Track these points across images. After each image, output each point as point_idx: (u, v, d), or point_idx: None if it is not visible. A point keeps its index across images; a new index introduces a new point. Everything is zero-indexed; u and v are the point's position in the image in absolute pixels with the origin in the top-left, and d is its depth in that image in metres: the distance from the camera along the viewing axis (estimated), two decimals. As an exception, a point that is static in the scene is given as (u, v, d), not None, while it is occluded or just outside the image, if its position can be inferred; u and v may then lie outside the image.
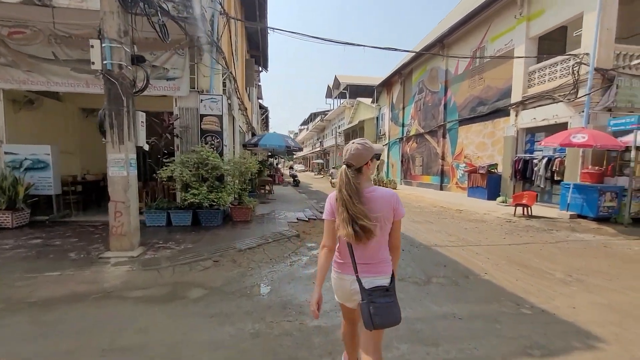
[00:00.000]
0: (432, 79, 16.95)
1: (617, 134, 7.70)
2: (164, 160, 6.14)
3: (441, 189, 15.87)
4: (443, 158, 15.84)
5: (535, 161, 10.03)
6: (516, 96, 11.04)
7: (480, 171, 11.74)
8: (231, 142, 9.36)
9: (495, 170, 11.71)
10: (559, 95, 9.37)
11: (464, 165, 14.11)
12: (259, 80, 24.09)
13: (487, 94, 12.66)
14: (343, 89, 34.67)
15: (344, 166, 1.67)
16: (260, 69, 20.03)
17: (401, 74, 20.38)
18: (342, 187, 1.61)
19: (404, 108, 20.44)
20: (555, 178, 9.36)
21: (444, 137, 15.78)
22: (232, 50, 8.44)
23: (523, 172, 10.49)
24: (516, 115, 11.08)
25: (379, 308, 1.57)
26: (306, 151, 60.75)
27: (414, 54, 17.97)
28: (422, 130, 17.95)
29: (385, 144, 23.12)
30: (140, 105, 7.88)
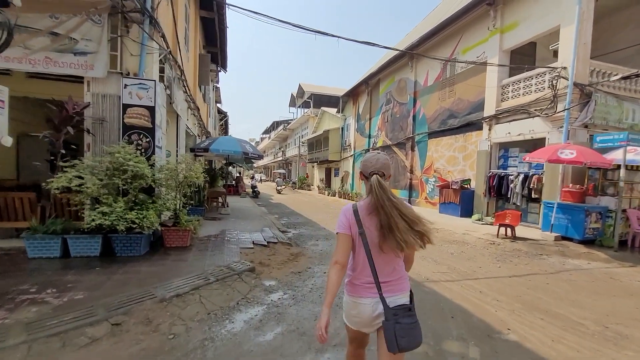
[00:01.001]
0: (400, 89, 16.46)
1: (599, 151, 7.28)
2: (61, 163, 4.33)
3: (409, 203, 15.13)
4: (412, 172, 15.21)
5: (511, 177, 9.52)
6: (489, 110, 10.62)
7: (453, 186, 11.10)
8: (172, 145, 7.62)
9: (468, 186, 11.14)
10: (536, 110, 8.98)
11: (434, 179, 13.51)
12: (218, 82, 22.21)
13: (459, 107, 12.23)
14: (307, 98, 33.72)
15: (376, 177, 1.57)
16: (219, 68, 18.30)
17: (368, 84, 19.80)
18: (384, 195, 1.52)
19: (370, 119, 19.80)
20: (533, 196, 8.86)
21: (412, 149, 15.20)
22: (176, 31, 6.82)
23: (498, 188, 9.96)
24: (489, 129, 10.64)
25: (404, 329, 1.48)
26: (268, 160, 58.77)
27: (382, 63, 17.48)
28: (389, 142, 17.32)
29: (351, 155, 22.29)
30: (37, 90, 5.98)
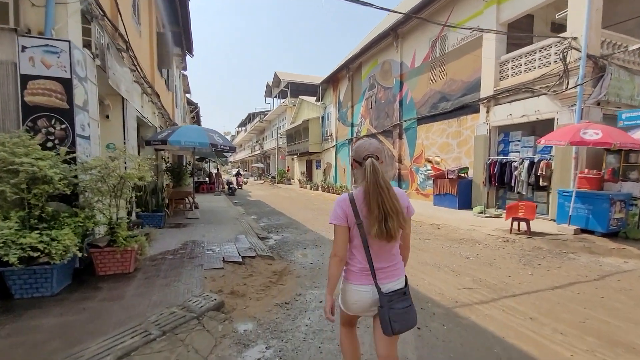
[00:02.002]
0: (384, 73, 15.31)
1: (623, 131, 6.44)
2: None
3: (398, 195, 14.18)
4: (400, 161, 14.21)
5: (514, 164, 8.63)
6: (486, 90, 9.66)
7: (450, 176, 10.14)
8: (118, 136, 6.07)
9: (466, 175, 10.22)
10: (541, 88, 8.07)
11: (425, 169, 12.55)
12: (185, 68, 20.18)
13: (451, 88, 11.23)
14: (284, 87, 32.05)
15: (371, 159, 1.56)
16: (184, 52, 16.44)
17: (349, 69, 18.53)
18: (378, 179, 1.51)
19: (353, 106, 18.60)
20: (541, 183, 8.01)
21: (400, 137, 14.16)
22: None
23: (499, 176, 9.07)
24: (487, 112, 9.70)
25: (398, 314, 1.54)
26: (245, 154, 56.62)
27: (364, 45, 16.22)
28: (374, 131, 16.22)
29: (333, 146, 21.07)
30: None
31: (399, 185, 14.27)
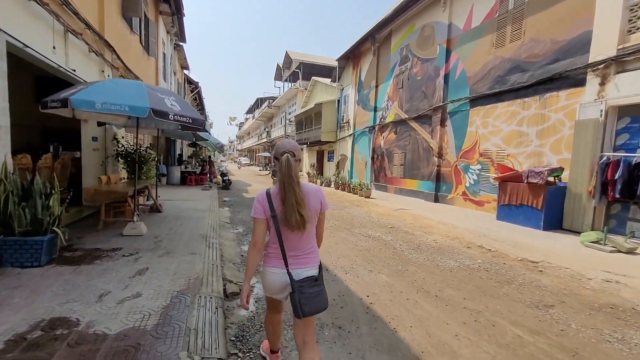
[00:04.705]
0: (423, 40, 11.82)
1: None
2: None
3: (436, 199, 10.86)
4: (440, 155, 10.82)
5: (660, 166, 5.24)
6: (603, 49, 6.22)
7: (533, 180, 6.77)
8: None
9: (557, 180, 6.86)
10: None
11: (479, 167, 9.18)
12: (181, 37, 17.02)
13: (531, 53, 7.76)
14: (295, 68, 28.63)
15: (287, 155, 1.66)
16: (173, 10, 13.32)
17: (375, 39, 15.04)
18: (290, 172, 1.62)
19: (377, 86, 15.17)
20: None
21: (442, 124, 10.75)
22: None
23: (626, 185, 5.70)
24: (602, 84, 6.27)
25: (308, 298, 1.64)
26: (252, 142, 53.69)
27: (398, 4, 12.70)
28: (405, 116, 12.81)
29: (350, 135, 17.73)
30: None
31: (437, 188, 10.91)
